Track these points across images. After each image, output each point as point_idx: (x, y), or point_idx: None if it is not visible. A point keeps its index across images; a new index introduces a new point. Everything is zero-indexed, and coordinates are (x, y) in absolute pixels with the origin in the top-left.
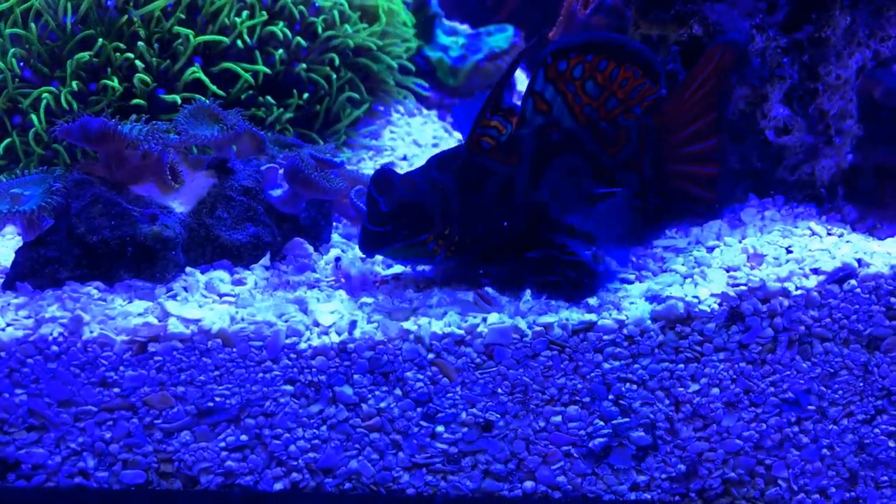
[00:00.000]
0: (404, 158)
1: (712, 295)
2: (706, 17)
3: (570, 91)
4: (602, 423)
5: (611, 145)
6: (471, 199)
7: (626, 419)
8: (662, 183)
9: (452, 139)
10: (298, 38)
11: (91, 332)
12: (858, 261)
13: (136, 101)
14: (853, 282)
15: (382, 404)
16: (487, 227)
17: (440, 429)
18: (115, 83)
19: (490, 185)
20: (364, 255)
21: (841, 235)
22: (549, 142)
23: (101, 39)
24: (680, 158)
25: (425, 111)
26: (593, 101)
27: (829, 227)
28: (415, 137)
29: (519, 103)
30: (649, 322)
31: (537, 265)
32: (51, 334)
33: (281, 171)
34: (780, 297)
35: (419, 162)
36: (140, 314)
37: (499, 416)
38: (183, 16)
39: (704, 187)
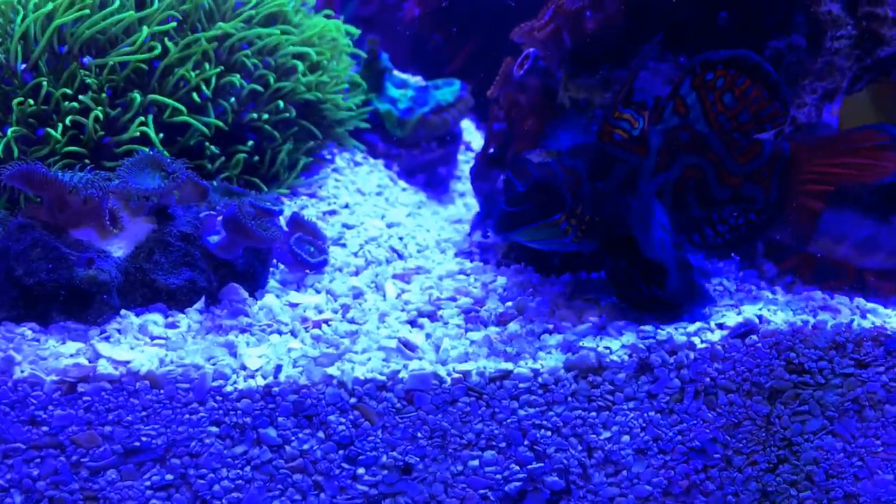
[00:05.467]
0: (346, 206)
1: (623, 347)
2: None
3: (710, 99)
4: (518, 467)
5: (741, 154)
6: (599, 184)
7: (541, 464)
8: (784, 212)
9: (397, 188)
10: (253, 85)
11: (22, 371)
12: (759, 317)
13: (75, 148)
14: (755, 337)
15: (305, 446)
16: (614, 213)
17: (361, 471)
18: (56, 133)
19: (618, 172)
20: (499, 238)
21: (749, 292)
22: (678, 140)
23: (45, 85)
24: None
25: (372, 160)
26: (728, 110)
27: (738, 283)
28: (359, 186)
29: (647, 97)
30: (563, 371)
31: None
32: None
33: (220, 219)
34: (687, 350)
35: (361, 210)
36: (72, 355)
37: (418, 459)
38: (145, 66)
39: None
